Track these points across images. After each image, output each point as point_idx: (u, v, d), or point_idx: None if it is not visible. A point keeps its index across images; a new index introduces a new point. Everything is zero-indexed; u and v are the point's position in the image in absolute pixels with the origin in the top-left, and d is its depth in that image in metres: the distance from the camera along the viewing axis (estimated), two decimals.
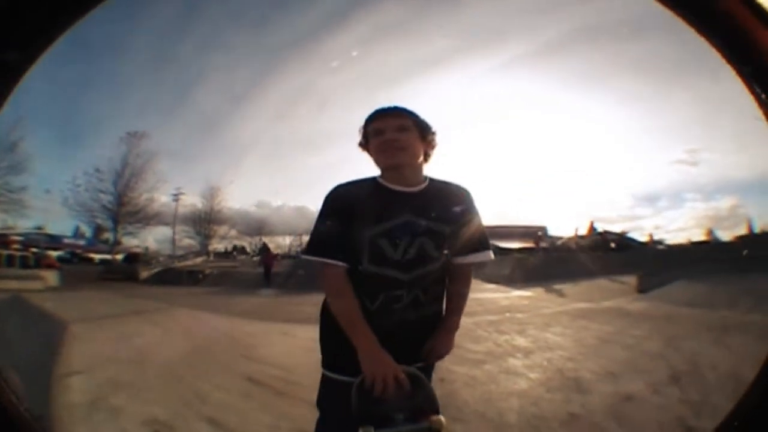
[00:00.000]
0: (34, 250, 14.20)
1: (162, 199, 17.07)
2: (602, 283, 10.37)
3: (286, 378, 3.67)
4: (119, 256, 16.53)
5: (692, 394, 3.10)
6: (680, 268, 9.96)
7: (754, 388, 0.80)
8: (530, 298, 8.97)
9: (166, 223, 17.46)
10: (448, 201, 1.37)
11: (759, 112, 0.75)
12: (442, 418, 1.16)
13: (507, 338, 5.17)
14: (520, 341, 5.03)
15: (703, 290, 7.86)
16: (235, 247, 19.06)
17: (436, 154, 1.42)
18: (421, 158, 1.38)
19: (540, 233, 16.35)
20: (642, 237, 16.13)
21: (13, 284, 10.51)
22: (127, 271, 14.71)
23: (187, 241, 17.91)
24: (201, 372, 3.92)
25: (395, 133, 1.32)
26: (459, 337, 1.43)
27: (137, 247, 16.91)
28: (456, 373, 3.64)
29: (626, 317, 6.45)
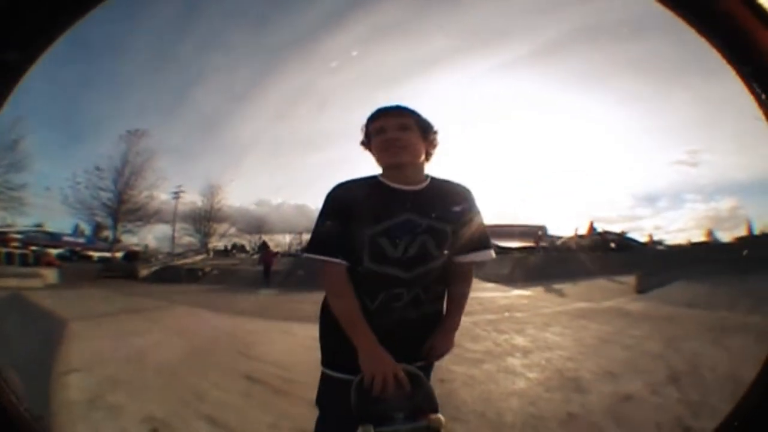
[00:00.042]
0: (34, 247, 14.23)
1: (162, 196, 17.12)
2: (602, 283, 10.39)
3: (285, 376, 3.67)
4: (119, 254, 16.56)
5: (691, 395, 3.11)
6: (680, 269, 9.99)
7: (754, 389, 0.80)
8: (530, 298, 8.98)
9: (165, 221, 17.51)
10: (450, 199, 1.37)
11: (759, 112, 0.75)
12: (441, 417, 1.16)
13: (506, 337, 5.18)
14: (519, 341, 5.04)
15: (702, 291, 7.88)
16: (234, 245, 19.09)
17: (436, 154, 1.42)
18: (423, 157, 1.38)
19: (540, 233, 16.39)
20: (642, 237, 16.20)
21: (13, 282, 10.54)
22: (127, 269, 14.72)
23: (186, 239, 17.95)
24: (200, 370, 3.92)
25: (397, 131, 1.32)
26: (458, 336, 1.43)
27: (137, 245, 16.95)
28: (455, 372, 3.65)
29: (625, 317, 6.46)
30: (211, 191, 18.03)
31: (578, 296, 8.89)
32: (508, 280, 10.59)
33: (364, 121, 1.40)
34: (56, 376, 3.58)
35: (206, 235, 18.09)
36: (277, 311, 7.63)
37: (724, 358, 3.91)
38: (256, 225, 18.80)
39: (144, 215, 16.70)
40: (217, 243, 18.51)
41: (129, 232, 16.77)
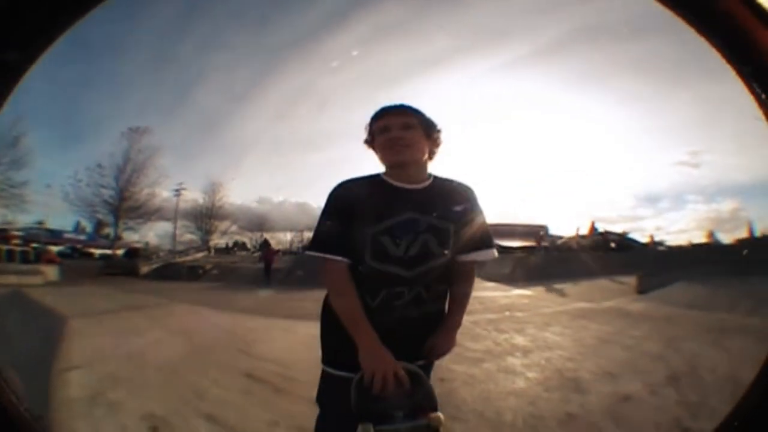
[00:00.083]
0: (35, 245, 14.25)
1: (163, 194, 17.14)
2: (602, 283, 10.38)
3: (285, 374, 3.67)
4: (120, 251, 16.59)
5: (690, 396, 3.11)
6: (680, 270, 9.98)
7: (753, 389, 0.80)
8: (530, 297, 8.98)
9: (167, 219, 17.54)
10: (452, 198, 1.37)
11: (759, 112, 0.75)
12: (441, 415, 1.16)
13: (506, 337, 5.18)
14: (520, 340, 5.04)
15: (702, 292, 7.88)
16: (236, 243, 19.11)
17: (439, 153, 1.42)
18: (426, 156, 1.38)
19: (541, 232, 16.39)
20: (643, 238, 16.21)
21: (14, 279, 10.57)
22: (128, 266, 14.76)
23: (188, 237, 17.97)
24: (200, 368, 3.92)
25: (400, 130, 1.32)
26: (458, 335, 1.42)
27: (138, 242, 16.97)
28: (455, 371, 3.65)
29: (626, 318, 6.46)
30: (212, 189, 18.07)
31: (579, 296, 8.89)
32: (509, 279, 10.59)
33: (364, 120, 1.40)
34: (57, 373, 3.59)
35: (207, 233, 18.13)
36: (277, 309, 7.64)
37: (723, 359, 3.91)
38: (258, 223, 18.83)
39: (145, 212, 16.73)
40: (219, 240, 18.56)
41: (130, 229, 16.81)
